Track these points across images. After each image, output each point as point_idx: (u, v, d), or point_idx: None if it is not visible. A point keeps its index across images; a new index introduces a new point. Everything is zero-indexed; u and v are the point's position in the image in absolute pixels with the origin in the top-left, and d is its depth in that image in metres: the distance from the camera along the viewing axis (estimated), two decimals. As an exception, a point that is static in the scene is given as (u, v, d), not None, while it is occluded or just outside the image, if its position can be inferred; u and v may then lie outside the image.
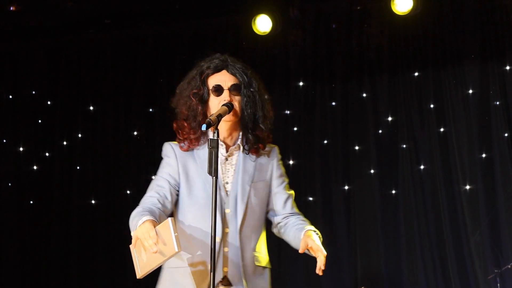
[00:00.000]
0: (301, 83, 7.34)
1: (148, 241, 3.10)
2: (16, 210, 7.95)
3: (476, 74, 6.84)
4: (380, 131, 7.10)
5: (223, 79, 3.51)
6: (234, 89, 3.50)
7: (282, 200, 3.60)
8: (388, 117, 7.08)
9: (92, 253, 7.69)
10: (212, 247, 3.15)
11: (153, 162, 7.51)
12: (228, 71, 3.54)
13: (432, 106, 6.95)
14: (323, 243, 3.30)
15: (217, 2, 7.24)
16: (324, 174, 7.20)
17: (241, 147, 3.53)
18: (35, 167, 7.99)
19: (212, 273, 3.16)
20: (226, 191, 3.48)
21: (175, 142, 3.56)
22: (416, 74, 7.03)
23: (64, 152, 7.94)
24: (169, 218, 3.13)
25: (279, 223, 3.60)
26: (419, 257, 6.83)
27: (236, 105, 3.48)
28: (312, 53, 7.32)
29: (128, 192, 7.62)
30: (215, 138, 3.21)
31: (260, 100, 3.54)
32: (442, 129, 6.90)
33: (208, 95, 3.51)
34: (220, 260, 3.39)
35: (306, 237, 3.36)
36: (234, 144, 3.54)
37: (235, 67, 3.55)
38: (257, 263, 3.48)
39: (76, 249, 7.73)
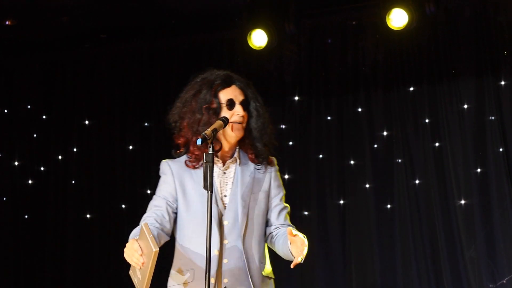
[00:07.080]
0: (296, 98, 7.35)
1: (134, 255, 3.13)
2: (11, 225, 7.92)
3: (471, 89, 6.84)
4: (375, 146, 7.09)
5: (235, 93, 3.54)
6: (244, 103, 3.53)
7: (277, 211, 3.60)
8: (383, 131, 7.08)
9: (88, 268, 7.66)
10: (207, 259, 3.17)
11: (149, 177, 7.59)
12: (237, 86, 3.57)
13: (427, 120, 6.95)
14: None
15: (213, 17, 7.25)
16: (319, 188, 7.19)
17: (238, 160, 3.55)
18: (30, 182, 7.97)
19: (207, 285, 3.19)
20: (224, 204, 3.49)
21: (172, 159, 3.59)
22: (411, 89, 7.03)
23: (59, 166, 7.92)
24: (143, 224, 3.17)
25: (270, 233, 3.59)
26: (414, 272, 6.81)
27: (245, 120, 3.52)
28: (308, 67, 7.33)
29: (123, 206, 7.60)
30: (210, 152, 3.23)
31: (264, 114, 3.59)
32: (437, 144, 6.90)
33: (220, 109, 3.52)
34: (219, 272, 3.41)
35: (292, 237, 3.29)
36: (231, 157, 3.56)
37: (241, 82, 3.59)
38: (264, 274, 3.50)
39: (71, 264, 7.70)
